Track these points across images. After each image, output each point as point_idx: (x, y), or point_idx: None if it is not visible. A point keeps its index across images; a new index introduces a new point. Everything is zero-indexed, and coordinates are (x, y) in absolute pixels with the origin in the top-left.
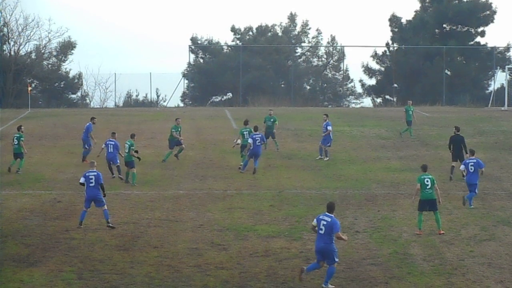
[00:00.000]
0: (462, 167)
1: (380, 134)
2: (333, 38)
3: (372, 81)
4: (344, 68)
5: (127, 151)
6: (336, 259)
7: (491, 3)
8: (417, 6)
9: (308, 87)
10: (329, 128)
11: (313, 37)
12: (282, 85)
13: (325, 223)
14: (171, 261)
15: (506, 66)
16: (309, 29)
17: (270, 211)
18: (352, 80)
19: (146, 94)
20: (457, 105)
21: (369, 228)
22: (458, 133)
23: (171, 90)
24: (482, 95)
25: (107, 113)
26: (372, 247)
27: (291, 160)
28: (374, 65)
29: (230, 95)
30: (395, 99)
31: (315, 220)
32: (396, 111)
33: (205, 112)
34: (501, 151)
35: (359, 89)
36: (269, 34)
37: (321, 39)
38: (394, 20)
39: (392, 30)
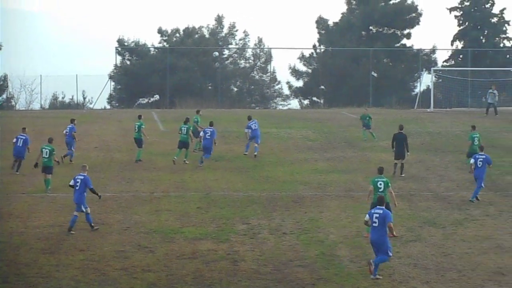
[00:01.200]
0: (471, 161)
1: (307, 136)
2: (260, 40)
3: (299, 83)
4: (271, 70)
5: (47, 156)
6: (390, 253)
7: (417, 6)
8: (344, 8)
9: (235, 89)
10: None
11: (240, 39)
12: (209, 87)
13: (377, 215)
14: (97, 264)
15: (432, 68)
16: (236, 31)
17: (197, 213)
18: (279, 82)
19: (73, 96)
20: (384, 107)
21: (296, 229)
22: (402, 131)
23: (98, 92)
24: (408, 96)
25: (33, 115)
26: (299, 249)
27: (218, 162)
28: (301, 67)
29: (157, 97)
30: (322, 101)
31: (367, 215)
32: (323, 112)
33: (132, 114)
34: (427, 152)
35: (286, 91)
36: (196, 36)
37: (248, 41)
38: (321, 22)
39: (319, 32)
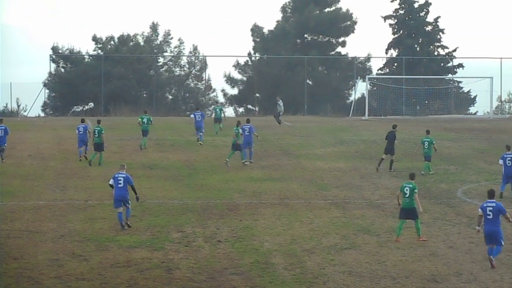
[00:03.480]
0: (500, 161)
1: None
2: (195, 48)
3: (234, 91)
4: (207, 78)
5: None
6: (503, 242)
7: (351, 14)
8: (279, 16)
9: (171, 97)
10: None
11: (175, 47)
12: (144, 95)
13: (491, 208)
14: (31, 273)
15: (367, 76)
16: (171, 38)
17: (131, 221)
18: (214, 90)
19: (7, 104)
20: (319, 115)
21: (231, 237)
22: (394, 130)
23: (32, 100)
24: (343, 104)
25: None
26: (234, 257)
27: (153, 170)
28: (236, 75)
29: (91, 104)
30: (257, 109)
31: (479, 209)
32: (258, 120)
33: (67, 122)
34: (361, 160)
35: (221, 99)
36: (131, 43)
37: (184, 48)
38: (256, 30)
39: (254, 40)
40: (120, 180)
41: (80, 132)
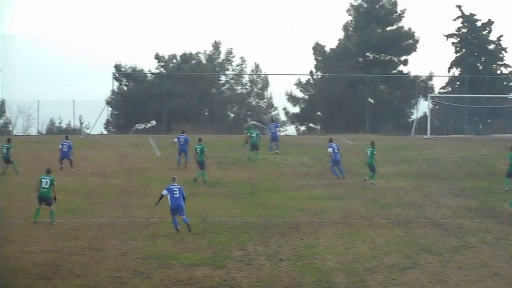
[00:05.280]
0: None
1: (304, 162)
2: (257, 66)
3: (296, 109)
4: (268, 96)
5: (46, 186)
6: None
7: (413, 32)
8: (341, 34)
9: (232, 115)
10: (329, 150)
11: (237, 65)
12: (206, 113)
13: None
14: None
15: (429, 95)
16: (233, 57)
17: (193, 239)
18: (276, 108)
19: (70, 122)
20: (380, 133)
21: (292, 256)
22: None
23: (95, 118)
24: (405, 123)
25: (30, 140)
26: (296, 275)
27: (215, 188)
28: (298, 93)
29: (154, 122)
30: (319, 127)
31: None
32: (319, 139)
33: (129, 140)
34: (423, 179)
35: (283, 117)
36: (193, 61)
37: (245, 67)
38: (318, 49)
39: (316, 59)
40: (175, 190)
41: None
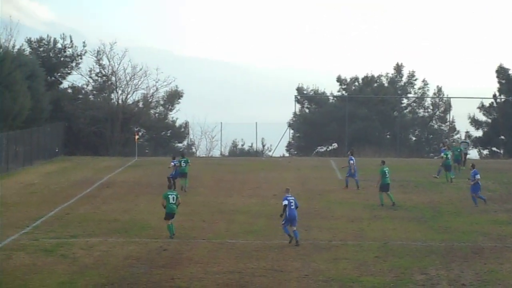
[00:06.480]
0: None
1: (487, 186)
2: (439, 89)
3: (478, 133)
4: (451, 120)
5: (174, 201)
6: None
7: None
8: None
9: (414, 138)
10: (477, 176)
11: (419, 88)
12: (388, 136)
13: None
14: None
15: None
16: (415, 80)
17: (375, 262)
18: (458, 132)
19: (252, 144)
20: None
21: (475, 281)
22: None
23: (277, 140)
24: None
25: (213, 162)
26: None
27: (397, 211)
28: (481, 117)
29: (335, 145)
30: (502, 151)
31: None
32: (503, 163)
33: (310, 162)
34: None
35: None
36: (375, 84)
37: (428, 90)
38: (501, 72)
39: (499, 82)
40: (292, 202)
41: None
